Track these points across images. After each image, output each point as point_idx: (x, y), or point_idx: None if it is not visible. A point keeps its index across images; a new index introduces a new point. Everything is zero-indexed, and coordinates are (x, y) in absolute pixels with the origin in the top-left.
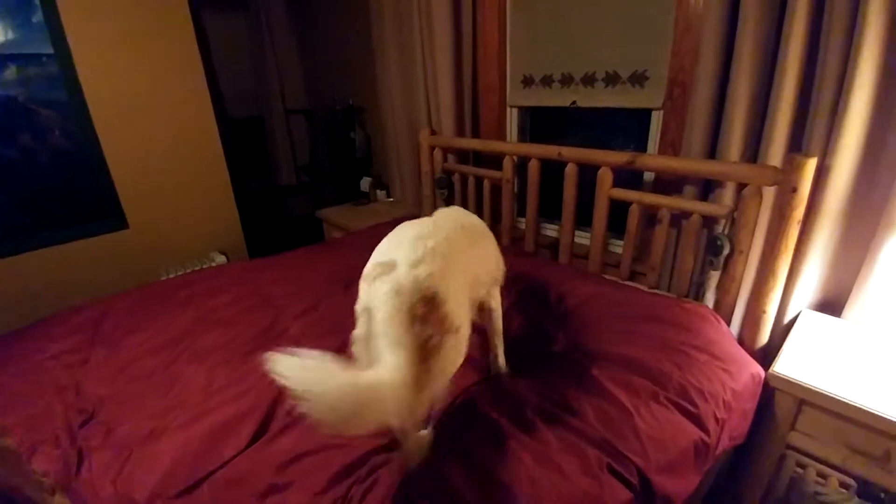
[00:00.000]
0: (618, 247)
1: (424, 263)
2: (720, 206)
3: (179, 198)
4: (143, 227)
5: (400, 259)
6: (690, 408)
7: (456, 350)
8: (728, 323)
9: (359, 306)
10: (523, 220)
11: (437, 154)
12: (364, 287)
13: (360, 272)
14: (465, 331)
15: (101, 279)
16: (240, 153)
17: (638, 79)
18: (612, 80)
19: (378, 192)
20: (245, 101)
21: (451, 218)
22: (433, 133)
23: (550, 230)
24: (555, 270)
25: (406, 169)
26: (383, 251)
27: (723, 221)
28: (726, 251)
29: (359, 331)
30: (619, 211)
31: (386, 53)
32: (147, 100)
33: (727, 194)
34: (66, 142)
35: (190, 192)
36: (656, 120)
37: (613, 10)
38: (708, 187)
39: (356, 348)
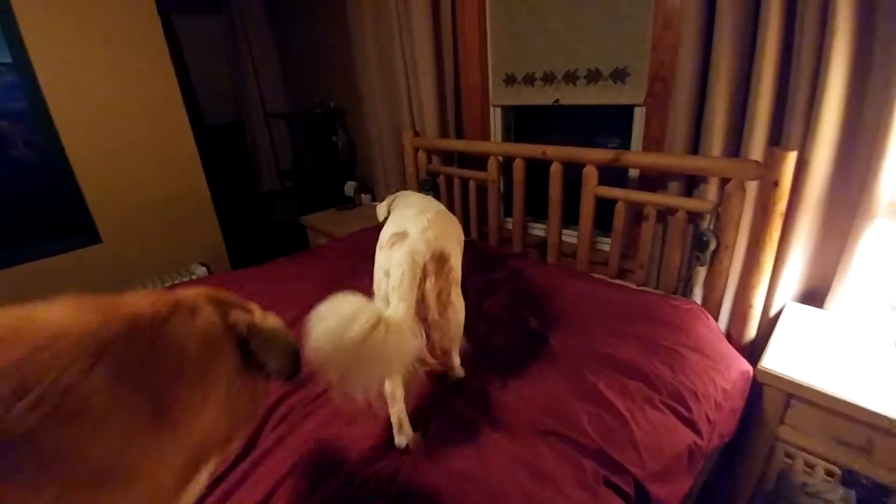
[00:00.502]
0: (605, 245)
1: (430, 229)
2: (705, 202)
3: (155, 208)
4: (118, 241)
5: (410, 229)
6: (684, 411)
7: (461, 300)
8: (716, 318)
9: (379, 272)
10: (510, 220)
11: (422, 156)
12: (384, 253)
13: (347, 279)
14: (458, 295)
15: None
16: (220, 160)
17: (619, 75)
18: (593, 77)
19: (363, 196)
20: (223, 107)
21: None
22: (416, 135)
23: (538, 230)
24: (543, 270)
25: (391, 172)
26: (396, 224)
27: (708, 217)
28: (712, 246)
29: (382, 292)
30: (605, 208)
31: (366, 55)
32: (116, 107)
33: (711, 189)
34: (30, 154)
35: (166, 201)
36: (639, 116)
37: (593, 6)
38: (692, 183)
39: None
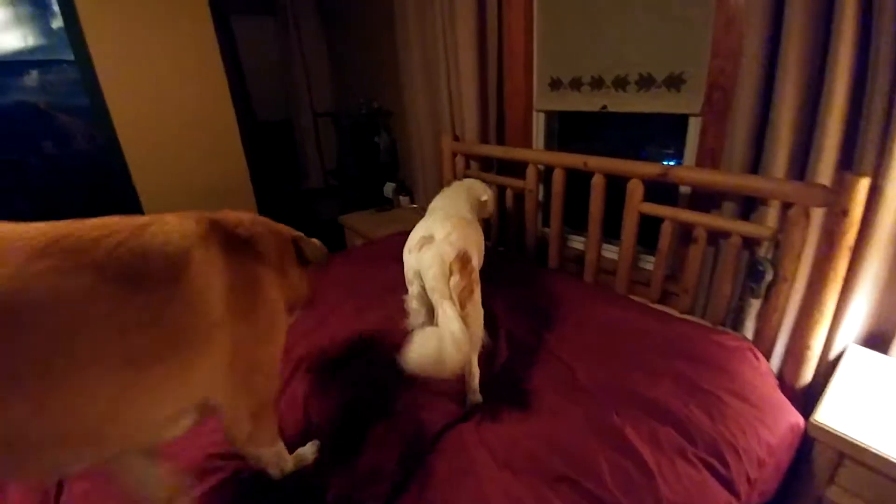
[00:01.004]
0: (648, 263)
1: (454, 232)
2: (763, 228)
3: (200, 203)
4: None
5: (436, 232)
6: (721, 467)
7: (479, 300)
8: (767, 357)
9: (410, 273)
10: (548, 230)
11: (460, 160)
12: (413, 255)
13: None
14: (478, 287)
15: None
16: (269, 156)
17: (674, 82)
18: (645, 83)
19: (401, 198)
20: (274, 105)
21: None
22: (456, 139)
23: (577, 242)
24: (577, 290)
25: (429, 175)
26: (424, 228)
27: (766, 244)
28: (769, 278)
29: (414, 290)
30: (650, 223)
31: (410, 56)
32: (167, 103)
33: (771, 214)
34: (88, 147)
35: (211, 197)
36: (694, 127)
37: (647, 8)
38: (750, 204)
39: (413, 305)
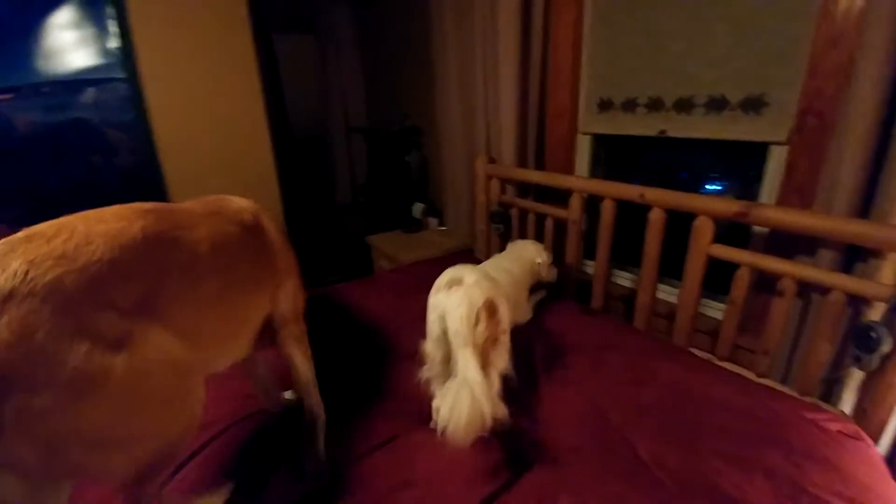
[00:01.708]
0: (709, 308)
1: (484, 280)
2: (878, 285)
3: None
4: None
5: (466, 277)
6: None
7: (505, 347)
8: (875, 441)
9: (433, 314)
10: (591, 262)
11: (495, 184)
12: (441, 295)
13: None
14: (507, 338)
15: None
16: (301, 171)
17: (753, 104)
18: (716, 105)
19: (430, 219)
20: (310, 121)
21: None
22: (491, 161)
23: (622, 278)
24: (629, 336)
25: (461, 197)
26: (454, 271)
27: (881, 306)
28: (885, 348)
29: (434, 333)
30: (714, 264)
31: (446, 70)
32: (205, 120)
33: (887, 268)
34: (131, 161)
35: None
36: (777, 157)
37: (723, 20)
38: (854, 253)
39: (429, 348)
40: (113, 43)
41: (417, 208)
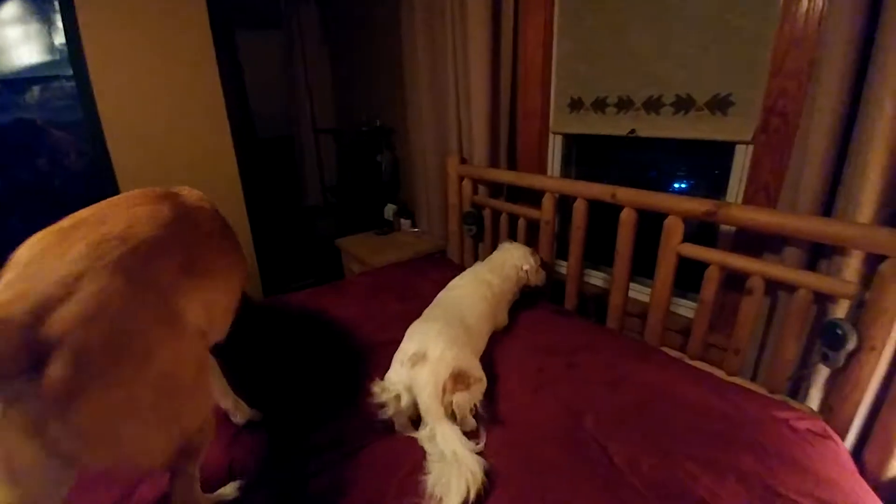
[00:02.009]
0: (681, 307)
1: (449, 349)
2: (845, 283)
3: None
4: None
5: (430, 349)
6: None
7: (483, 388)
8: (842, 438)
9: (399, 385)
10: (564, 263)
11: (467, 185)
12: (405, 370)
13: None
14: (483, 375)
15: None
16: (268, 172)
17: (719, 104)
18: (683, 104)
19: (402, 220)
20: (275, 121)
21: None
22: (463, 161)
23: (596, 278)
24: (602, 337)
25: (433, 198)
26: (416, 342)
27: (845, 303)
28: (851, 345)
29: (403, 403)
30: (686, 263)
31: (417, 70)
32: (161, 118)
33: (851, 266)
34: (80, 163)
35: None
36: (743, 157)
37: (690, 20)
38: (818, 250)
39: (392, 407)
40: (59, 39)
41: (389, 210)
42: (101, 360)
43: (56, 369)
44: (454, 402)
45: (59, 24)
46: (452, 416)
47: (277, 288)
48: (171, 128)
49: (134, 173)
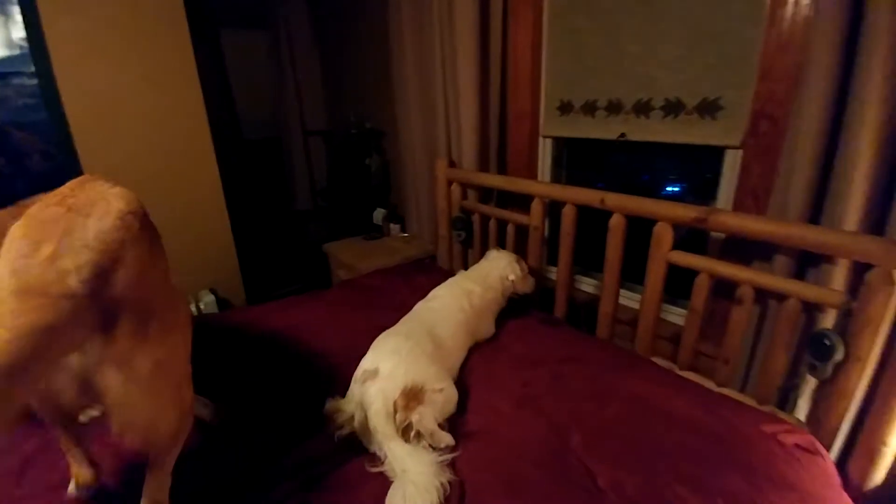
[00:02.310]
0: (671, 314)
1: (401, 365)
2: (831, 292)
3: (168, 228)
4: None
5: (382, 365)
6: None
7: (448, 400)
8: (827, 448)
9: (352, 404)
10: (554, 268)
11: (456, 189)
12: (357, 386)
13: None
14: (448, 385)
15: None
16: (255, 175)
17: (708, 108)
18: (673, 108)
19: (392, 225)
20: (263, 122)
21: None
22: (452, 165)
23: (586, 284)
24: (589, 348)
25: (423, 203)
26: (370, 358)
27: (833, 313)
28: (838, 356)
29: (356, 420)
30: (676, 268)
31: (404, 71)
32: (134, 120)
33: (838, 275)
34: (46, 166)
35: (180, 222)
36: (732, 161)
37: (679, 22)
38: (806, 258)
39: (362, 437)
40: (18, 33)
41: (379, 214)
42: (151, 319)
43: (124, 326)
44: (414, 419)
45: (18, 16)
46: (418, 434)
47: (262, 294)
48: (145, 129)
49: (103, 174)
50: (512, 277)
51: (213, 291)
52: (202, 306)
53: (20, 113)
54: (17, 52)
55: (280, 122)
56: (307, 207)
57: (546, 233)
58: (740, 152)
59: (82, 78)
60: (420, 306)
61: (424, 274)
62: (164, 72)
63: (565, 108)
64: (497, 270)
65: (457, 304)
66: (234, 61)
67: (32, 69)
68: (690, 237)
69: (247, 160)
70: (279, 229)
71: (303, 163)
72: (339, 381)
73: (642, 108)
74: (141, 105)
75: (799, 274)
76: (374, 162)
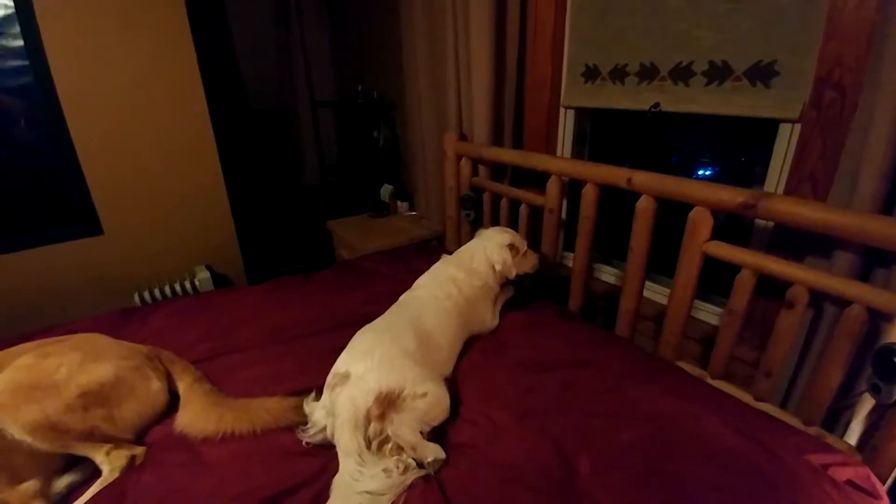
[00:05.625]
0: (703, 311)
1: (373, 370)
2: None
3: (163, 202)
4: (120, 234)
5: (353, 367)
6: None
7: (434, 404)
8: (883, 482)
9: (322, 412)
10: (570, 255)
11: (465, 165)
12: (326, 393)
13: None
14: (433, 387)
15: (70, 290)
16: (262, 147)
17: (761, 73)
18: (718, 74)
19: (399, 203)
20: (270, 91)
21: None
22: (462, 138)
23: (607, 274)
24: (608, 349)
25: (432, 179)
26: (343, 359)
27: None
28: None
29: (329, 428)
30: (710, 260)
31: (413, 35)
32: (128, 88)
33: None
34: (32, 133)
35: (176, 196)
36: (786, 137)
37: None
38: (875, 256)
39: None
40: None
41: (386, 191)
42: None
43: None
44: (391, 432)
45: None
46: (399, 448)
47: (265, 272)
48: (138, 95)
49: (97, 145)
50: (499, 267)
51: (209, 268)
52: (197, 283)
53: (5, 76)
54: (1, 12)
55: (287, 92)
56: (316, 183)
57: (564, 215)
58: (798, 127)
59: (70, 40)
60: (405, 297)
61: (425, 258)
62: (157, 33)
63: (591, 73)
64: (483, 253)
65: (443, 291)
66: (239, 27)
67: (17, 29)
68: (723, 227)
69: (253, 131)
70: (286, 206)
71: (311, 135)
72: (323, 378)
73: (681, 74)
74: (133, 70)
75: (864, 276)
76: (382, 135)
